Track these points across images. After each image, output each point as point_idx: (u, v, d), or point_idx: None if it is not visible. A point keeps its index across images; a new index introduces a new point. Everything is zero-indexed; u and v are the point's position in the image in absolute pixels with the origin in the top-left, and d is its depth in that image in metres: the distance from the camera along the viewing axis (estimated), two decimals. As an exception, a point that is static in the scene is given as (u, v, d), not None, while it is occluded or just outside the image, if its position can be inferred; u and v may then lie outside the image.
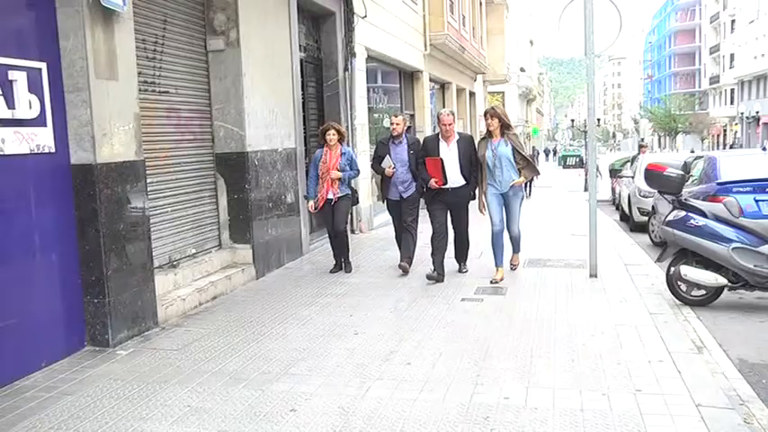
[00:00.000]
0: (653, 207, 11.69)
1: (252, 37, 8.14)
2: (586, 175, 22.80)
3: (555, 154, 69.91)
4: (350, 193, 8.45)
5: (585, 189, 21.42)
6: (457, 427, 3.94)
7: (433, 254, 7.88)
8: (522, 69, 51.95)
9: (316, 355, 5.29)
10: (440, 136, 7.88)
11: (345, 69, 11.63)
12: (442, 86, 21.70)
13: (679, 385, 4.48)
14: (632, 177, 14.39)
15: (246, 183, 7.95)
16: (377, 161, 8.30)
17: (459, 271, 8.23)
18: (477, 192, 7.93)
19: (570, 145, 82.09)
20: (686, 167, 9.98)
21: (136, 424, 4.13)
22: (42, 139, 5.19)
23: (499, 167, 7.58)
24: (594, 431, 3.87)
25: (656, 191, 9.11)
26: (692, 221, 6.58)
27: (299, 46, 9.96)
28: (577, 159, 46.52)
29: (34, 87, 5.10)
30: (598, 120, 9.71)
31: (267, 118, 8.52)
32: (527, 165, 7.70)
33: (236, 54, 7.88)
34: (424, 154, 7.88)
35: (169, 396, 4.55)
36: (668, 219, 6.87)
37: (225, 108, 7.92)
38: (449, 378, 4.70)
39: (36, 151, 5.14)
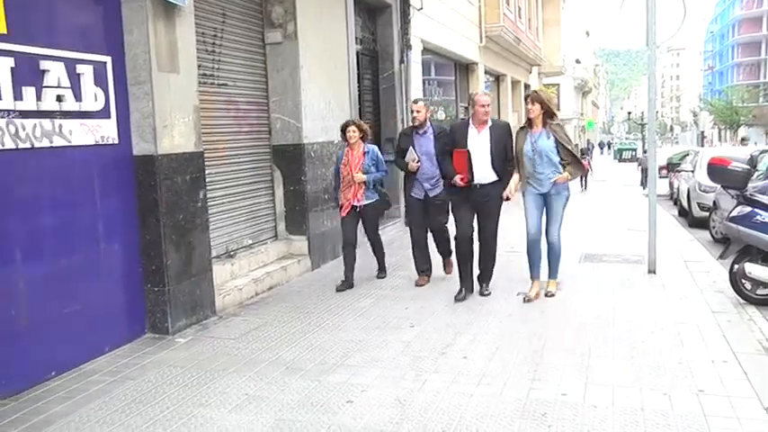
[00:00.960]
0: (714, 202, 11.38)
1: (309, 29, 8.19)
2: (640, 168, 22.35)
3: (610, 147, 68.65)
4: (378, 198, 7.36)
5: (641, 184, 20.98)
6: (514, 423, 3.91)
7: (459, 266, 6.78)
8: (577, 61, 51.10)
9: (371, 347, 5.31)
10: (470, 121, 6.62)
11: (401, 61, 11.61)
12: (497, 78, 21.50)
13: (746, 387, 4.33)
14: (692, 172, 14.04)
15: (303, 174, 8.01)
16: (399, 155, 7.24)
17: (482, 293, 6.79)
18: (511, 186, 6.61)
19: (627, 138, 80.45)
20: (752, 161, 9.67)
21: (195, 410, 4.21)
22: (106, 130, 5.32)
23: (540, 163, 6.35)
24: (655, 431, 3.79)
25: (718, 185, 8.87)
26: (758, 217, 6.37)
27: (356, 38, 9.98)
28: (633, 153, 45.60)
29: (99, 80, 5.23)
30: (656, 112, 9.42)
31: (323, 110, 8.56)
32: (573, 161, 6.43)
33: (294, 46, 7.94)
34: (451, 142, 6.66)
35: (227, 384, 4.63)
36: (732, 215, 6.66)
37: (282, 100, 7.99)
38: (505, 373, 4.66)
39: (100, 142, 5.27)
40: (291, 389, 4.50)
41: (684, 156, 19.03)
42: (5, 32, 4.45)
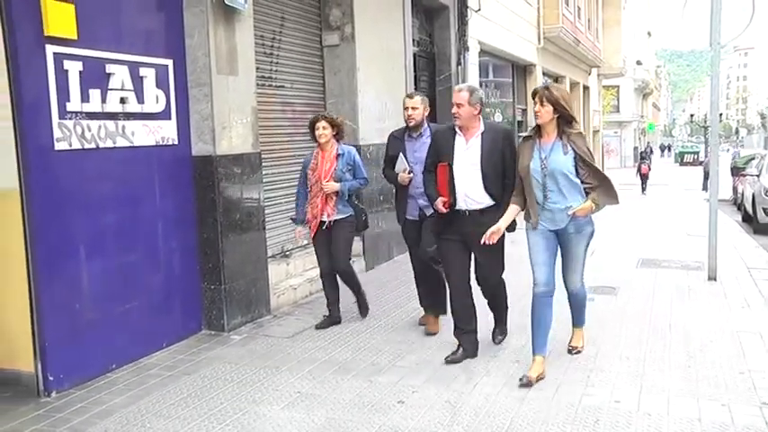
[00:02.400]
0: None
1: (366, 32, 8.25)
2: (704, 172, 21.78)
3: (670, 150, 67.06)
4: (353, 213, 5.92)
5: (704, 188, 20.45)
6: (566, 428, 3.87)
7: (454, 323, 5.18)
8: (638, 62, 50.04)
9: (423, 349, 5.32)
10: (456, 128, 4.92)
11: (458, 63, 11.59)
12: (555, 80, 21.24)
13: (809, 399, 4.21)
14: (757, 176, 13.63)
15: (358, 176, 8.06)
16: (388, 164, 5.76)
17: (494, 340, 5.42)
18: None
19: (689, 141, 78.50)
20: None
21: (248, 406, 4.29)
22: (167, 131, 5.46)
23: (552, 188, 4.51)
24: (713, 442, 3.71)
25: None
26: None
27: (413, 40, 10.00)
28: (695, 156, 44.46)
29: (161, 83, 5.38)
30: (720, 115, 9.20)
31: (380, 112, 8.62)
32: (601, 183, 4.53)
33: (351, 49, 8.01)
34: (434, 154, 5.04)
35: (280, 381, 4.70)
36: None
37: (338, 102, 8.07)
38: (558, 378, 4.61)
39: (161, 143, 5.41)
40: (343, 388, 4.54)
41: (750, 159, 18.48)
42: (75, 38, 4.62)
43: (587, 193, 4.52)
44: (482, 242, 4.63)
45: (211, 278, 5.81)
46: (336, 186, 5.73)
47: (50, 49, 4.50)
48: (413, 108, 5.55)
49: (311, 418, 4.09)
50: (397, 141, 5.74)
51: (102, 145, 4.89)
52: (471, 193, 4.85)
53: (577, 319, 5.18)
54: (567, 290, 4.91)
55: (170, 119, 5.49)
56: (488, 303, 5.39)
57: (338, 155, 5.81)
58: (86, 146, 4.77)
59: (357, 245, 8.18)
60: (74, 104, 4.66)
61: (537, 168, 4.51)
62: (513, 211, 4.70)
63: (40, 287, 4.49)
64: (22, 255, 4.49)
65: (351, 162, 5.86)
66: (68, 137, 4.64)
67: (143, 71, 5.20)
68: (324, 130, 5.78)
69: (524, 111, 17.45)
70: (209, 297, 5.83)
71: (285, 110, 7.35)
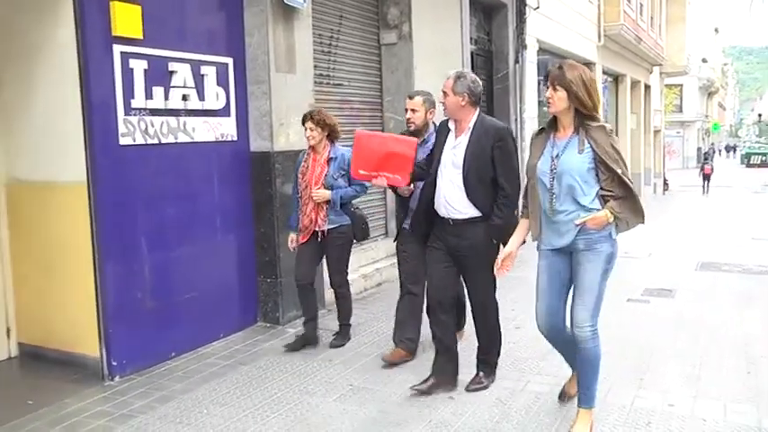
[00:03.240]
0: None
1: (424, 30, 8.28)
2: None
3: (735, 151, 65.13)
4: (348, 223, 5.27)
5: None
6: (616, 430, 3.85)
7: (436, 349, 4.49)
8: (703, 60, 48.79)
9: (474, 346, 5.30)
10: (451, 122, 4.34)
11: (516, 62, 11.51)
12: (616, 79, 20.87)
13: None
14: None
15: (413, 173, 8.11)
16: None
17: (472, 384, 4.47)
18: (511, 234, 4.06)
19: (756, 142, 76.12)
20: None
21: (302, 397, 4.39)
22: (226, 128, 5.61)
23: (559, 193, 3.62)
24: (770, 449, 3.64)
25: None
26: None
27: (470, 38, 9.98)
28: (763, 158, 43.08)
29: (221, 81, 5.52)
30: (790, 115, 9.00)
31: (437, 110, 8.61)
32: (623, 194, 3.59)
33: (408, 47, 8.06)
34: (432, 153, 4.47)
35: (333, 374, 4.79)
36: None
37: (395, 100, 8.13)
38: (610, 379, 4.56)
39: (220, 139, 5.56)
40: (394, 383, 4.60)
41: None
42: (141, 38, 4.79)
43: (605, 201, 3.59)
44: (495, 270, 4.04)
45: (267, 272, 5.94)
46: (327, 195, 5.10)
47: (117, 49, 4.68)
48: (412, 110, 4.95)
49: (363, 411, 4.16)
50: None
51: (164, 140, 5.06)
52: (451, 199, 4.21)
53: (582, 392, 3.79)
54: (574, 336, 3.72)
55: (229, 115, 5.63)
56: (476, 333, 4.57)
57: (329, 159, 5.18)
58: (149, 141, 4.94)
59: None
60: (138, 101, 4.84)
61: (545, 169, 3.65)
62: (523, 226, 3.93)
63: (104, 276, 4.68)
64: (89, 245, 4.69)
65: (344, 167, 5.09)
66: (132, 132, 4.81)
67: (204, 69, 5.35)
68: (312, 132, 5.13)
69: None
70: (264, 290, 5.97)
71: (343, 107, 7.44)
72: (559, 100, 3.58)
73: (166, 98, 5.05)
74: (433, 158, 4.36)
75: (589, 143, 3.55)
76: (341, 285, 5.41)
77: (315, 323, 5.41)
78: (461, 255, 4.28)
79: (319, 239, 5.21)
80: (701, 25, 45.86)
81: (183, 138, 5.20)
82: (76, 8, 4.51)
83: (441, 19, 8.86)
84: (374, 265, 7.59)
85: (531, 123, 12.31)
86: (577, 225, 3.59)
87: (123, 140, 4.76)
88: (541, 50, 13.16)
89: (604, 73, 18.53)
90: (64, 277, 4.90)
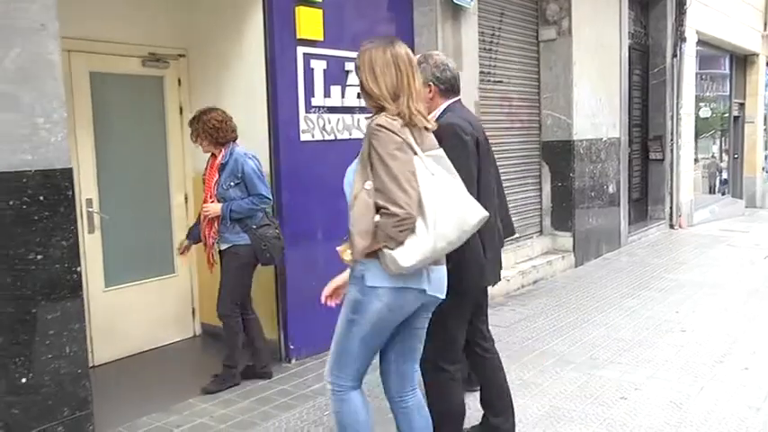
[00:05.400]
0: None
1: (583, 25, 8.17)
2: None
3: None
4: (246, 243, 4.44)
5: None
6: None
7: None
8: None
9: (642, 348, 5.23)
10: None
11: (674, 55, 11.09)
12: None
13: None
14: None
15: (571, 171, 8.05)
16: None
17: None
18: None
19: None
20: None
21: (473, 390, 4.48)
22: (396, 125, 5.78)
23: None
24: None
25: None
26: None
27: (628, 32, 9.73)
28: None
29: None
30: None
31: (594, 107, 8.50)
32: (382, 217, 2.56)
33: (568, 43, 7.98)
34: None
35: (500, 368, 4.85)
36: None
37: (553, 97, 8.07)
38: (796, 388, 4.37)
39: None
40: (564, 379, 4.60)
41: None
42: (322, 39, 5.06)
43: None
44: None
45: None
46: (216, 209, 4.41)
47: (300, 50, 4.96)
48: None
49: (535, 405, 4.20)
50: None
51: (339, 137, 5.30)
52: None
53: None
54: None
55: (399, 113, 5.80)
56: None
57: (221, 164, 4.45)
58: (326, 137, 5.20)
59: (566, 241, 8.15)
60: (317, 99, 5.10)
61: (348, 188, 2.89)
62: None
63: (284, 263, 4.94)
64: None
65: (237, 173, 4.39)
66: (312, 129, 5.08)
67: (376, 68, 5.55)
68: (192, 134, 4.54)
69: (742, 105, 16.26)
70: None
71: (502, 105, 7.48)
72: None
73: (342, 96, 5.29)
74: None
75: (369, 145, 2.67)
76: (224, 312, 4.52)
77: (231, 357, 4.61)
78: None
79: (212, 261, 4.56)
80: None
81: (356, 134, 5.42)
82: (266, 13, 4.82)
83: (600, 13, 8.68)
84: (530, 262, 7.60)
85: (688, 120, 11.83)
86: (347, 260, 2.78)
87: (304, 137, 5.03)
88: (699, 42, 12.57)
89: (768, 65, 17.42)
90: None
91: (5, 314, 3.20)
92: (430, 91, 3.27)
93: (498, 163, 7.08)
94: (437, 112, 3.23)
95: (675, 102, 11.25)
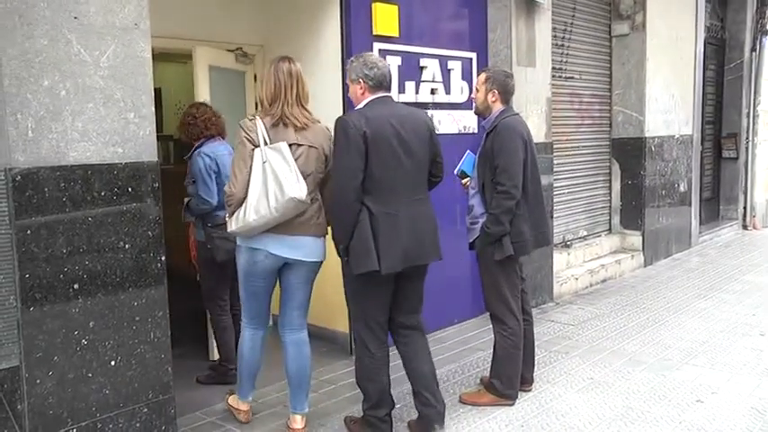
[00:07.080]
0: None
1: (657, 20, 8.00)
2: None
3: None
4: (202, 240, 4.46)
5: None
6: None
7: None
8: None
9: (717, 350, 5.13)
10: None
11: (753, 49, 10.74)
12: None
13: None
14: None
15: (641, 169, 7.90)
16: None
17: None
18: None
19: None
20: None
21: (543, 386, 4.48)
22: (468, 120, 5.78)
23: None
24: None
25: None
26: None
27: (704, 26, 9.49)
28: None
29: (465, 75, 5.72)
30: None
31: (667, 103, 8.32)
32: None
33: (641, 38, 7.84)
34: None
35: (571, 366, 4.83)
36: None
37: (625, 93, 7.94)
38: None
39: (462, 131, 5.76)
40: (636, 380, 4.55)
41: None
42: (397, 35, 5.10)
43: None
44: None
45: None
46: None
47: (377, 46, 5.01)
48: (476, 88, 4.31)
49: (607, 404, 4.17)
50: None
51: (412, 133, 5.33)
52: None
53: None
54: None
55: (471, 109, 5.79)
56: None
57: (187, 160, 4.57)
58: (399, 133, 5.23)
59: (635, 240, 8.02)
60: (392, 95, 5.12)
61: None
62: None
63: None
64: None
65: (201, 167, 4.31)
66: (385, 125, 5.12)
67: (450, 64, 5.57)
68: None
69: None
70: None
71: (573, 101, 7.40)
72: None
73: (417, 92, 5.32)
74: None
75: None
76: (209, 311, 4.67)
77: (225, 354, 4.64)
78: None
79: (193, 252, 4.67)
80: None
81: (429, 130, 5.45)
82: (343, 10, 4.89)
83: (675, 7, 8.48)
84: (599, 260, 7.51)
85: (765, 118, 11.45)
86: None
87: (378, 132, 5.08)
88: (781, 37, 12.15)
89: None
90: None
91: (96, 299, 3.34)
92: (360, 87, 3.60)
93: (569, 160, 7.16)
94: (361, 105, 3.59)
95: (752, 98, 10.91)
